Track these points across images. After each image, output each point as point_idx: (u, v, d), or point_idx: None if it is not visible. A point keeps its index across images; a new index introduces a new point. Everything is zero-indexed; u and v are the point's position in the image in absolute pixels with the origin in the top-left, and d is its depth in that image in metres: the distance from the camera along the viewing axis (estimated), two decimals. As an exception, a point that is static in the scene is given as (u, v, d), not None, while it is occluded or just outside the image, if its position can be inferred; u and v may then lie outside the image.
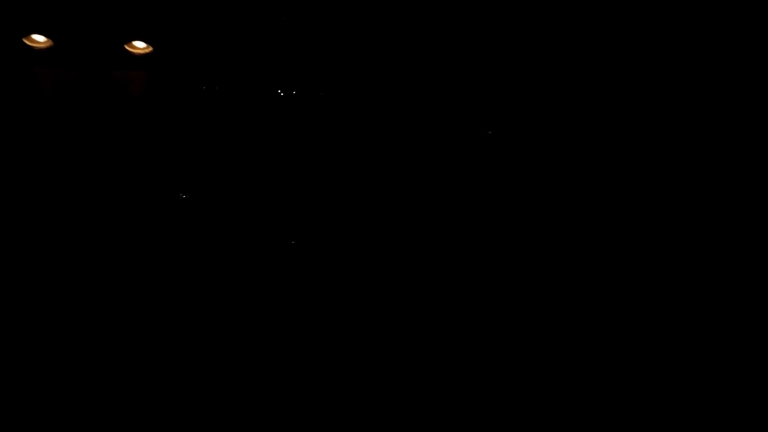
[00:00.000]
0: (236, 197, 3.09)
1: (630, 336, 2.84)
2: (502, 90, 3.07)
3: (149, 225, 3.03)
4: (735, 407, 2.59)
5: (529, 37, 2.99)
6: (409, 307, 3.02)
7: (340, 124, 3.09)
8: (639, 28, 2.95)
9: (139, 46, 3.03)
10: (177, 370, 2.82)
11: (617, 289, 2.94)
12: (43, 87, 2.90)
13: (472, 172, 3.05)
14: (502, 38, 3.00)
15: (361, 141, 3.09)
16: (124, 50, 2.98)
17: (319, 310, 3.00)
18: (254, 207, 3.11)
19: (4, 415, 2.63)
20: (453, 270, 3.04)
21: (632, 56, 2.99)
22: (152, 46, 3.02)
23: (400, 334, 2.98)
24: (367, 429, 2.81)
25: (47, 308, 2.87)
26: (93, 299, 2.95)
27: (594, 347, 2.86)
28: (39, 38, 2.91)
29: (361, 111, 3.09)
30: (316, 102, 3.09)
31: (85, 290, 2.94)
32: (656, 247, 2.96)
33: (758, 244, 2.84)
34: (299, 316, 2.99)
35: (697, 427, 2.59)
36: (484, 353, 2.91)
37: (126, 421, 2.70)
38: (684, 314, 2.83)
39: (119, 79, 2.95)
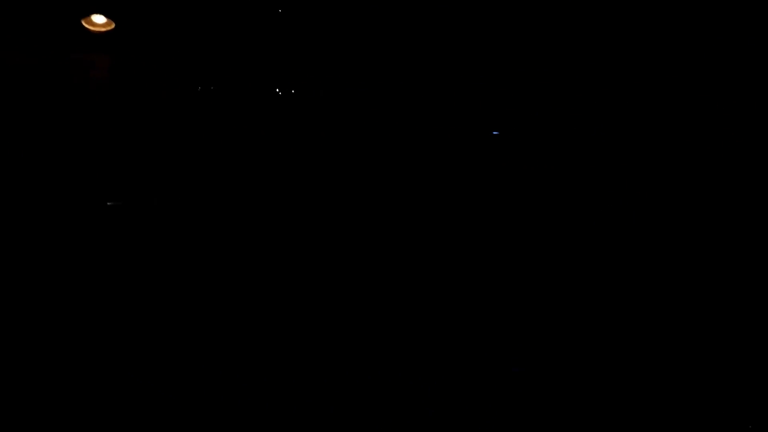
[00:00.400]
0: (214, 194, 2.83)
1: (631, 336, 2.87)
2: (507, 91, 2.90)
3: (108, 225, 2.74)
4: (735, 407, 2.69)
5: (536, 38, 2.82)
6: (409, 307, 2.93)
7: (337, 121, 2.85)
8: (644, 29, 2.84)
9: (99, 21, 2.60)
10: (176, 371, 2.69)
11: (619, 289, 2.94)
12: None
13: (477, 174, 2.92)
14: (509, 39, 2.81)
15: (363, 141, 2.87)
16: (81, 27, 2.55)
17: (319, 310, 2.88)
18: (234, 204, 2.86)
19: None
20: (455, 270, 2.96)
21: (638, 57, 2.89)
22: (114, 21, 2.60)
23: (401, 334, 2.91)
24: (367, 429, 2.77)
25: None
26: (57, 298, 2.71)
27: (596, 347, 2.87)
28: (-22, 16, 2.43)
29: (363, 111, 2.86)
30: (309, 97, 2.82)
31: (48, 289, 2.69)
32: (656, 247, 2.96)
33: (758, 243, 2.88)
34: (298, 316, 2.87)
35: (697, 427, 2.69)
36: (485, 354, 2.88)
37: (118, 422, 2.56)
38: (684, 314, 2.87)
39: (78, 64, 2.54)
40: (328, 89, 2.87)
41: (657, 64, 2.95)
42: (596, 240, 2.97)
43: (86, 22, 2.57)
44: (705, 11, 2.86)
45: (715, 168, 2.96)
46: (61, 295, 2.72)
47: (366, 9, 2.71)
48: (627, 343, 2.84)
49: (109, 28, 2.61)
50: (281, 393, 2.70)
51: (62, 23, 2.53)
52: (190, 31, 2.70)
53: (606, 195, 3.00)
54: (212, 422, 2.58)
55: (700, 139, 2.96)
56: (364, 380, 2.79)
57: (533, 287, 2.96)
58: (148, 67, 2.67)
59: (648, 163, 3.00)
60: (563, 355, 2.86)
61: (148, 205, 2.72)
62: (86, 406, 2.51)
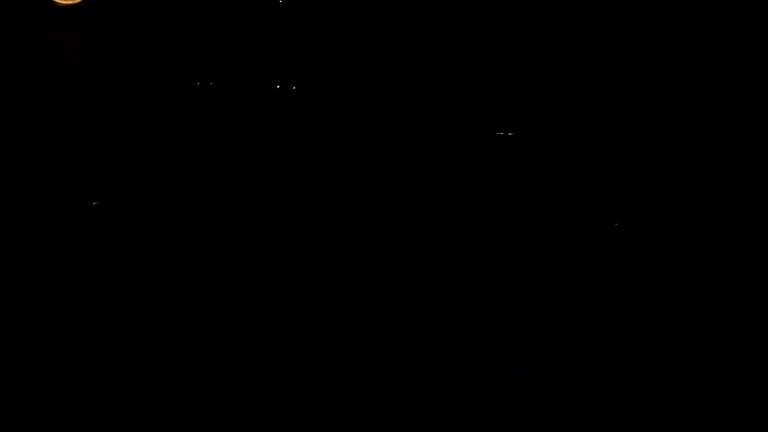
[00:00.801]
0: (198, 190, 2.57)
1: (634, 336, 2.89)
2: (511, 90, 2.78)
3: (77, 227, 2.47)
4: (735, 407, 2.77)
5: (540, 36, 2.70)
6: (408, 307, 2.85)
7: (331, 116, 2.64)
8: (647, 28, 2.77)
9: (65, -9, 2.18)
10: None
11: (621, 289, 2.95)
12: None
13: (478, 174, 2.82)
14: (513, 37, 2.67)
15: (360, 140, 2.68)
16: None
17: (317, 310, 2.76)
18: (223, 201, 2.63)
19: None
20: (454, 269, 2.88)
21: (640, 57, 2.82)
22: (84, -9, 2.19)
23: (400, 334, 2.84)
24: (367, 429, 2.74)
25: None
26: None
27: (598, 348, 2.88)
28: None
29: (360, 109, 2.65)
30: (298, 89, 2.57)
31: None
32: (659, 247, 2.97)
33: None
34: (298, 316, 2.73)
35: (698, 427, 2.76)
36: (485, 353, 2.85)
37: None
38: (686, 315, 2.91)
39: (45, 44, 2.13)
40: (327, 84, 2.65)
41: (659, 64, 2.90)
42: (597, 239, 2.96)
43: (51, -8, 2.15)
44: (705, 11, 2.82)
45: (718, 168, 2.97)
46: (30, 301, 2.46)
47: (368, 5, 2.48)
48: (629, 343, 2.87)
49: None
50: (278, 394, 2.61)
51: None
52: (175, 5, 2.34)
53: (607, 195, 2.98)
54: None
55: (703, 139, 2.95)
56: (363, 380, 2.74)
57: (534, 287, 2.93)
58: (127, 47, 2.30)
59: (652, 163, 2.97)
60: (565, 356, 2.86)
61: (129, 204, 2.43)
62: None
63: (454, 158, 2.90)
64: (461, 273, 2.97)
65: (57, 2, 2.16)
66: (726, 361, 2.79)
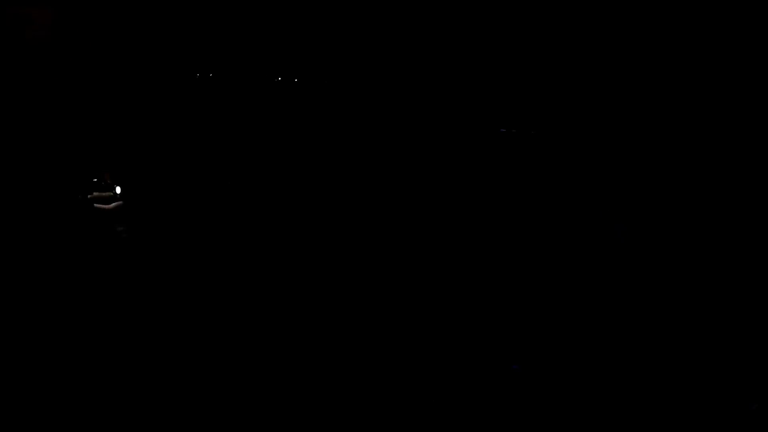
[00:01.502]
0: (168, 171, 2.48)
1: (632, 334, 2.83)
2: (514, 89, 2.74)
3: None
4: (734, 407, 2.71)
5: (543, 36, 2.67)
6: (409, 305, 2.79)
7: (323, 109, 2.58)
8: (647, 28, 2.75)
9: (36, -35, 2.08)
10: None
11: (619, 288, 2.89)
12: None
13: (481, 171, 2.77)
14: (516, 36, 2.64)
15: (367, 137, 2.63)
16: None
17: (317, 310, 2.73)
18: (192, 185, 2.54)
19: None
20: (455, 267, 2.82)
21: (640, 57, 2.79)
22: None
23: (400, 333, 2.77)
24: (367, 429, 2.68)
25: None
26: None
27: (596, 345, 2.82)
28: None
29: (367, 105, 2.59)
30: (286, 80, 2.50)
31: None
32: (657, 246, 2.92)
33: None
34: (298, 316, 2.70)
35: (696, 426, 2.70)
36: (484, 351, 2.78)
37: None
38: (685, 313, 2.86)
39: (12, 20, 2.03)
40: (329, 79, 2.59)
41: (659, 64, 2.87)
42: (596, 238, 2.91)
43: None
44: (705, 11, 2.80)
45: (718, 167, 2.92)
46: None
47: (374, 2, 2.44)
48: (627, 341, 2.81)
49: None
50: (281, 393, 2.51)
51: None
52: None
53: (607, 194, 2.93)
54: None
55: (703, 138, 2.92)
56: (364, 379, 2.66)
57: (533, 285, 2.88)
58: (100, 25, 2.20)
59: (651, 162, 2.93)
60: (563, 353, 2.80)
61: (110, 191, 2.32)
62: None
63: (456, 154, 2.87)
64: (460, 270, 2.92)
65: (26, -24, 2.05)
66: (719, 358, 2.75)
